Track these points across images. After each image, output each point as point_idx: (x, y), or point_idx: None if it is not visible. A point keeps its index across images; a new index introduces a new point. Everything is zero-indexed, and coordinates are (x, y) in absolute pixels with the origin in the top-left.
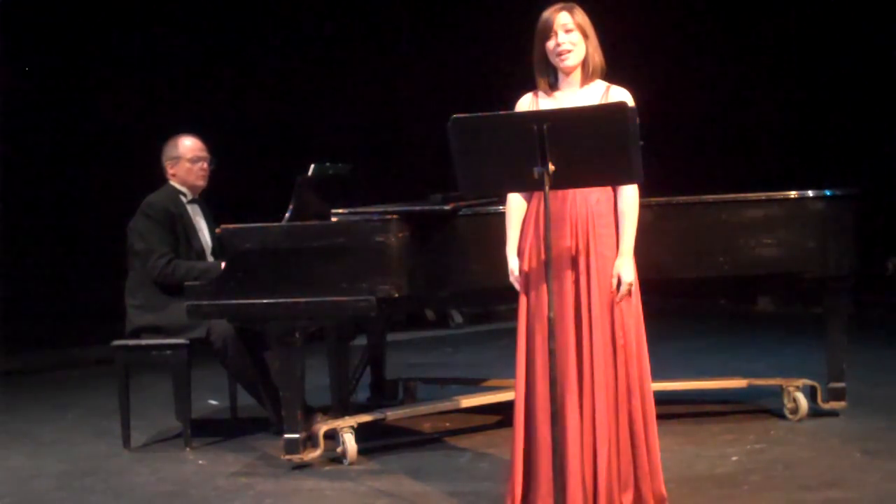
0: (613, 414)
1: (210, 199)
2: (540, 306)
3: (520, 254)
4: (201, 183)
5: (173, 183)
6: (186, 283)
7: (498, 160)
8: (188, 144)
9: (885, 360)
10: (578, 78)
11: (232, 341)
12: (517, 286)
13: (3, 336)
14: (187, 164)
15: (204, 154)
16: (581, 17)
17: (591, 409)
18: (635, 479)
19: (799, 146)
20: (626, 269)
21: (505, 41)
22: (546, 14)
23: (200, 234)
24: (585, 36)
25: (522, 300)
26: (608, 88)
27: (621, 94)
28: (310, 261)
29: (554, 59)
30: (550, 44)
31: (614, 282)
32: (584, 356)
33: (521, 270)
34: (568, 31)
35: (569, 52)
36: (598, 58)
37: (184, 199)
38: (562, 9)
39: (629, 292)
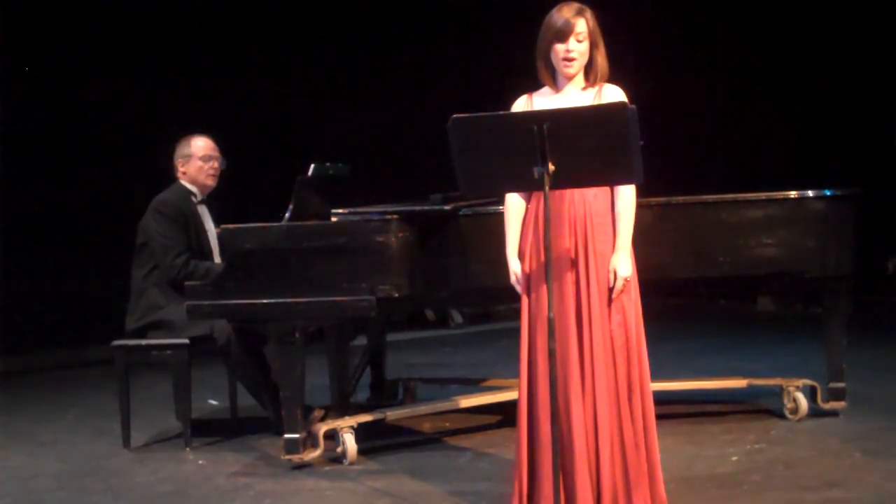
0: (615, 414)
1: (211, 199)
2: (541, 307)
3: (520, 255)
4: (211, 182)
5: (183, 182)
6: (186, 284)
7: (498, 160)
8: (200, 143)
9: (885, 360)
10: (581, 81)
11: (235, 338)
12: (518, 288)
13: (3, 336)
14: (199, 163)
15: (215, 154)
16: (593, 23)
17: (593, 409)
18: (637, 479)
19: (799, 146)
20: (622, 264)
21: (506, 41)
22: (564, 16)
23: (210, 235)
24: (594, 45)
25: (524, 301)
26: (601, 87)
27: (614, 92)
28: (310, 261)
29: (557, 63)
30: (560, 47)
31: (611, 277)
32: (585, 356)
33: (522, 272)
34: (580, 40)
35: (575, 60)
36: (604, 65)
37: (194, 200)
38: (579, 14)
39: (625, 287)
